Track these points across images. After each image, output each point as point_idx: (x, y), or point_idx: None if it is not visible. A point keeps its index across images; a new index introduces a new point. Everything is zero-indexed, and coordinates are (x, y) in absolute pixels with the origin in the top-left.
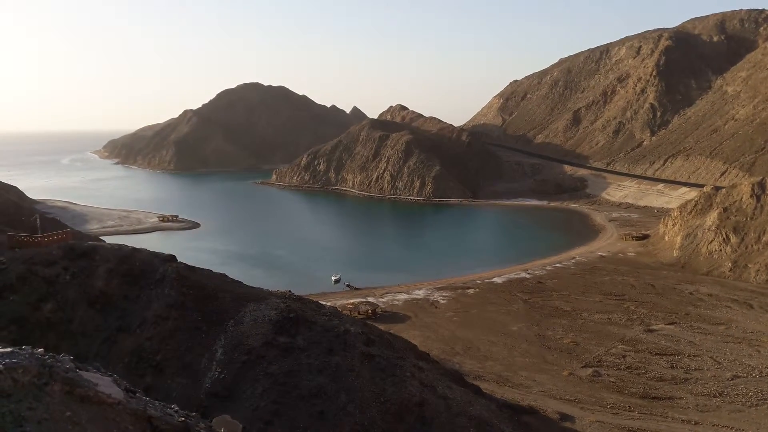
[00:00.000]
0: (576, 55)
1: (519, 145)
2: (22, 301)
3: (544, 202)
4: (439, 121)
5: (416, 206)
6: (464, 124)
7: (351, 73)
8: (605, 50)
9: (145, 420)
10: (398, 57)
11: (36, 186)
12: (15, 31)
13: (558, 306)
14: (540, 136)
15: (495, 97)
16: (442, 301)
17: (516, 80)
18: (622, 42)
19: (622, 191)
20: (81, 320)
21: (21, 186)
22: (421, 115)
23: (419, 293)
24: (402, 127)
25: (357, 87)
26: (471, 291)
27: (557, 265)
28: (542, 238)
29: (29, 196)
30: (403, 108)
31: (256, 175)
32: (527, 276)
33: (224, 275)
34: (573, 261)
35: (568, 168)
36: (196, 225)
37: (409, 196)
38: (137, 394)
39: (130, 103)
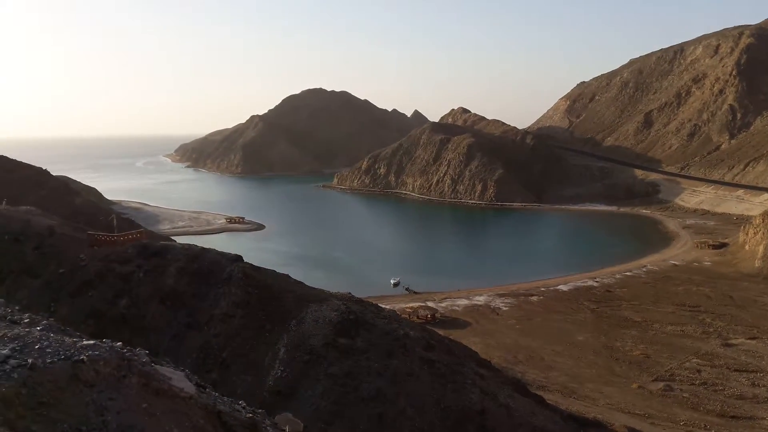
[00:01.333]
0: (647, 55)
1: (587, 149)
2: (99, 296)
3: (613, 208)
4: (503, 123)
5: (477, 210)
6: (529, 127)
7: (412, 77)
8: (679, 50)
9: (215, 415)
10: (461, 60)
11: (113, 188)
12: (98, 42)
13: (627, 316)
14: (609, 139)
15: (561, 99)
16: (504, 308)
17: (583, 82)
18: (698, 41)
19: (697, 197)
20: (153, 316)
21: (99, 188)
22: (483, 118)
23: (480, 299)
24: (464, 130)
25: (418, 91)
26: (534, 298)
27: (627, 273)
28: (611, 244)
29: (107, 197)
30: (465, 111)
31: (318, 179)
32: (595, 284)
33: (287, 276)
34: (644, 269)
35: (638, 172)
36: (261, 227)
37: (470, 200)
38: (207, 390)
39: (201, 108)
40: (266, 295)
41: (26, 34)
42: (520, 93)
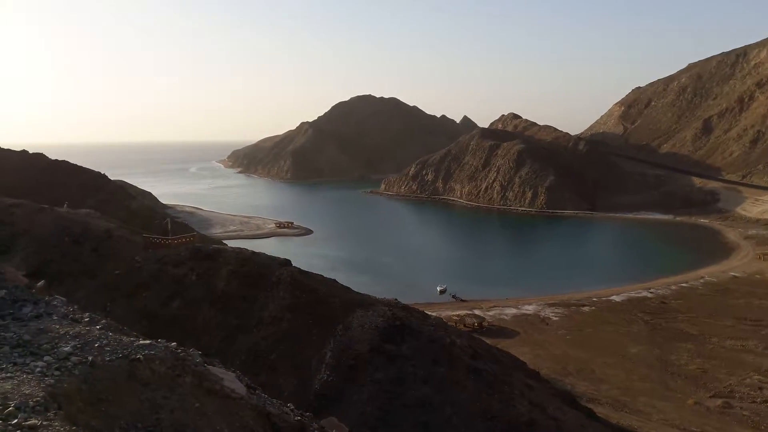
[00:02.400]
0: (707, 59)
1: (642, 155)
2: (153, 298)
3: (670, 216)
4: (554, 129)
5: (527, 218)
6: (581, 133)
7: (462, 83)
8: (742, 53)
9: (265, 416)
10: (512, 65)
11: (167, 192)
12: (161, 53)
13: (683, 329)
14: (665, 145)
15: (616, 104)
16: (554, 318)
17: (639, 87)
18: (762, 44)
19: (760, 206)
20: (204, 318)
21: (155, 192)
22: (534, 124)
23: (529, 308)
24: (514, 136)
25: (468, 97)
26: (586, 309)
27: (683, 284)
28: (666, 254)
29: (161, 202)
30: (516, 116)
31: (365, 185)
32: (649, 295)
33: (334, 281)
34: (701, 281)
35: (697, 180)
36: (309, 231)
37: (519, 207)
38: (257, 391)
39: (254, 115)
40: (313, 299)
41: (92, 44)
42: (572, 98)
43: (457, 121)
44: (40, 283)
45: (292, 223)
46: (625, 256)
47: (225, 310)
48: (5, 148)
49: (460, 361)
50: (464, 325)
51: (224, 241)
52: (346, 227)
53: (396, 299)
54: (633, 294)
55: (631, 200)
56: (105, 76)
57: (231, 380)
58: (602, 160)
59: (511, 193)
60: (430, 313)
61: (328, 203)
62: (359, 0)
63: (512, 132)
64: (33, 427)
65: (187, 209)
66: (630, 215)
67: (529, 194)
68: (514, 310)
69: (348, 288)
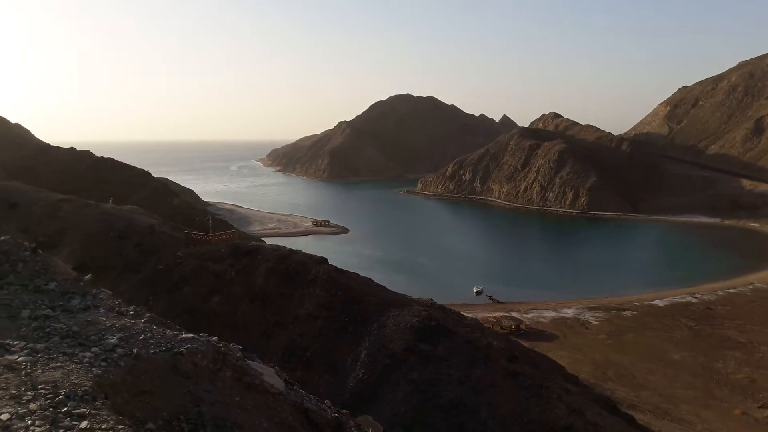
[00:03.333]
0: (760, 57)
1: (688, 157)
2: (194, 293)
3: (717, 220)
4: (597, 129)
5: (568, 219)
6: (625, 133)
7: (502, 82)
8: None
9: (303, 412)
10: (553, 64)
11: (208, 190)
12: (205, 54)
13: (730, 336)
14: (713, 146)
15: (661, 104)
16: (594, 322)
17: (686, 86)
18: None
19: None
20: (243, 313)
21: (196, 189)
22: (576, 123)
23: (568, 312)
24: (555, 136)
25: (507, 95)
26: (627, 313)
27: (730, 290)
28: (713, 259)
29: (203, 199)
30: (557, 116)
31: (402, 184)
32: (694, 300)
33: (370, 279)
34: (750, 287)
35: (746, 182)
36: (345, 230)
37: (560, 208)
38: (295, 387)
39: (293, 115)
40: (349, 297)
41: (137, 47)
42: (615, 98)
43: (496, 120)
44: (88, 276)
45: (328, 221)
46: (668, 259)
47: (263, 306)
48: (55, 145)
49: (496, 364)
50: (501, 328)
51: (262, 239)
52: (381, 226)
53: (431, 299)
54: (677, 299)
55: (675, 202)
56: (151, 76)
57: (270, 375)
58: (646, 161)
59: (551, 194)
60: (466, 314)
61: (365, 202)
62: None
63: (553, 131)
64: (82, 416)
65: (227, 206)
66: (674, 218)
67: (570, 195)
68: (552, 313)
69: (383, 287)
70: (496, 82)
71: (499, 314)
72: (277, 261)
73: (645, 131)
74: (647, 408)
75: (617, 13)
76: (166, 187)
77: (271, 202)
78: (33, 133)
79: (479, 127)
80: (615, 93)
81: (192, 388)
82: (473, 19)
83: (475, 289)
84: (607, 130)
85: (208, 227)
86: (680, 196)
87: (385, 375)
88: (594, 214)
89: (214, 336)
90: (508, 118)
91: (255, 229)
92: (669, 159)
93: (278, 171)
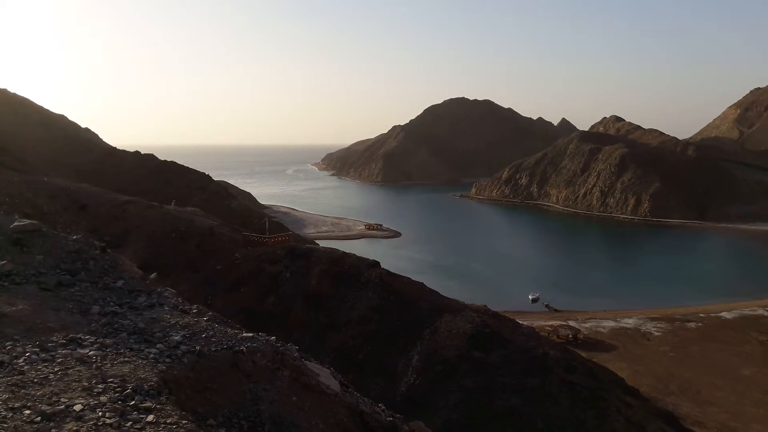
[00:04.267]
0: None
1: (761, 162)
2: (250, 293)
3: None
4: (660, 133)
5: (629, 226)
6: (690, 137)
7: (561, 85)
8: None
9: (358, 414)
10: (614, 66)
11: (265, 193)
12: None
13: None
14: None
15: (730, 107)
16: (656, 333)
17: (758, 88)
18: None
19: None
20: (297, 314)
21: (254, 192)
22: (639, 127)
23: (629, 322)
24: (616, 140)
25: (567, 99)
26: (692, 325)
27: None
28: None
29: (260, 202)
30: (618, 119)
31: (456, 188)
32: (766, 313)
33: (422, 284)
34: None
35: None
36: (397, 234)
37: (621, 214)
38: (350, 389)
39: (348, 119)
40: (401, 301)
41: (201, 55)
42: (680, 101)
43: (555, 124)
44: (153, 275)
45: (380, 225)
46: (737, 269)
47: (316, 307)
48: (121, 149)
49: (552, 374)
50: (558, 337)
51: (316, 241)
52: (434, 231)
53: (485, 306)
54: (746, 311)
55: (746, 210)
56: (214, 82)
57: (326, 377)
58: (714, 167)
59: (612, 200)
60: (521, 322)
61: (418, 206)
62: (451, 3)
63: (614, 136)
64: (148, 409)
65: (282, 209)
66: (744, 226)
67: (631, 201)
68: (611, 323)
69: (436, 292)
70: (554, 85)
71: (556, 323)
72: (330, 263)
73: (713, 135)
74: (713, 425)
75: (683, 12)
76: (225, 190)
77: (325, 205)
78: (101, 137)
79: (537, 130)
80: (680, 96)
81: (251, 387)
82: (531, 21)
83: (531, 297)
84: (672, 134)
85: (264, 229)
86: (751, 203)
87: (437, 381)
88: (657, 221)
89: (272, 336)
90: (567, 122)
91: (309, 231)
92: (739, 164)
93: (332, 175)
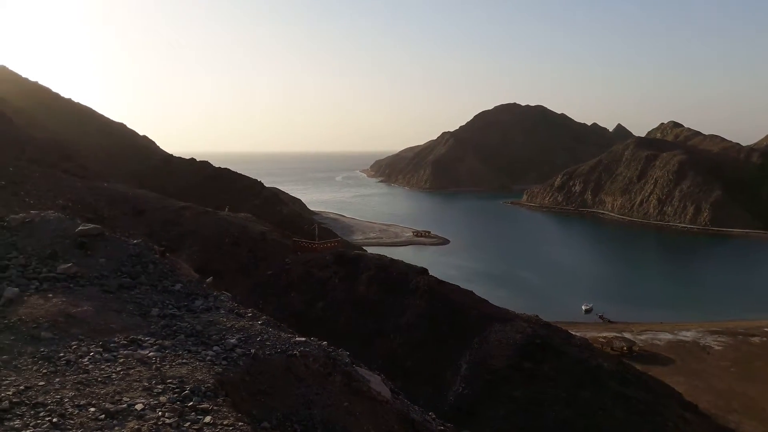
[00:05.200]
0: None
1: None
2: (300, 298)
3: None
4: (722, 139)
5: (688, 235)
6: (755, 143)
7: (616, 89)
8: None
9: (409, 423)
10: (672, 70)
11: (315, 199)
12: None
13: None
14: None
15: None
16: (717, 347)
17: None
18: None
19: None
20: (345, 320)
21: (303, 199)
22: (698, 133)
23: (687, 335)
24: (674, 146)
25: (622, 104)
26: (756, 339)
27: None
28: None
29: (309, 208)
30: (677, 125)
31: (506, 195)
32: None
33: (471, 292)
34: None
35: None
36: (446, 241)
37: (679, 223)
38: (400, 396)
39: (397, 126)
40: (450, 309)
41: (252, 65)
42: (744, 105)
43: (610, 130)
44: (209, 279)
45: (429, 232)
46: None
47: (364, 314)
48: (177, 156)
49: (606, 386)
50: (612, 349)
51: (364, 248)
52: (484, 238)
53: (537, 316)
54: None
55: None
56: (265, 91)
57: (377, 383)
58: None
59: (669, 208)
60: (573, 332)
61: (466, 213)
62: (502, 7)
63: (672, 142)
64: (205, 411)
65: (331, 216)
66: None
67: (690, 210)
68: (668, 336)
69: (485, 300)
70: (610, 90)
71: (610, 334)
72: (378, 270)
73: None
74: None
75: (744, 12)
76: (276, 196)
77: (373, 212)
78: (158, 144)
79: (591, 136)
80: (744, 100)
81: (304, 391)
82: (584, 27)
83: (584, 307)
84: (734, 140)
85: (314, 235)
86: None
87: (486, 391)
88: (718, 230)
89: (324, 341)
90: (623, 128)
91: (357, 238)
92: None
93: (381, 181)
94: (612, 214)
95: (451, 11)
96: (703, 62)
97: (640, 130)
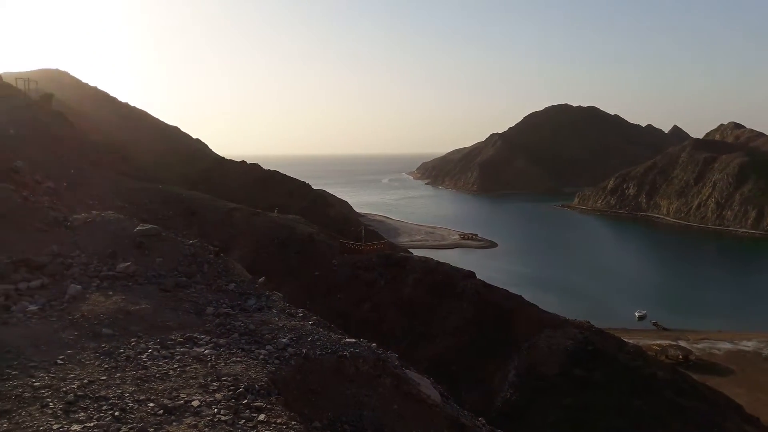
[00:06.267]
0: None
1: None
2: (346, 299)
3: None
4: None
5: (749, 241)
6: None
7: (672, 89)
8: None
9: (459, 427)
10: (732, 69)
11: (361, 201)
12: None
13: None
14: None
15: None
16: None
17: None
18: None
19: None
20: (390, 322)
21: (350, 201)
22: (761, 134)
23: (748, 345)
24: (734, 148)
25: (679, 104)
26: None
27: None
28: None
29: (356, 210)
30: (738, 126)
31: (556, 198)
32: None
33: (520, 297)
34: None
35: None
36: (493, 244)
37: (740, 228)
38: (450, 401)
39: (444, 128)
40: (498, 314)
41: (301, 69)
42: None
43: (665, 131)
44: (261, 279)
45: (476, 234)
46: None
47: (410, 316)
48: (228, 158)
49: (660, 396)
50: (666, 357)
51: (410, 250)
52: (533, 242)
53: (588, 322)
54: None
55: None
56: (307, 91)
57: (427, 386)
58: None
59: (729, 212)
60: (626, 340)
61: (515, 216)
62: (550, 8)
63: (732, 144)
64: (259, 409)
65: (377, 218)
66: None
67: (752, 214)
68: (728, 345)
69: (534, 305)
70: (665, 90)
71: (665, 342)
72: (424, 273)
73: None
74: None
75: None
76: (323, 198)
77: (420, 214)
78: (210, 147)
79: (645, 138)
80: None
81: (354, 392)
82: (638, 26)
83: (637, 314)
84: None
85: (360, 237)
86: None
87: (534, 397)
88: None
89: (373, 343)
90: (680, 129)
91: (403, 240)
92: None
93: (427, 184)
94: (667, 218)
95: (497, 13)
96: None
97: (697, 131)
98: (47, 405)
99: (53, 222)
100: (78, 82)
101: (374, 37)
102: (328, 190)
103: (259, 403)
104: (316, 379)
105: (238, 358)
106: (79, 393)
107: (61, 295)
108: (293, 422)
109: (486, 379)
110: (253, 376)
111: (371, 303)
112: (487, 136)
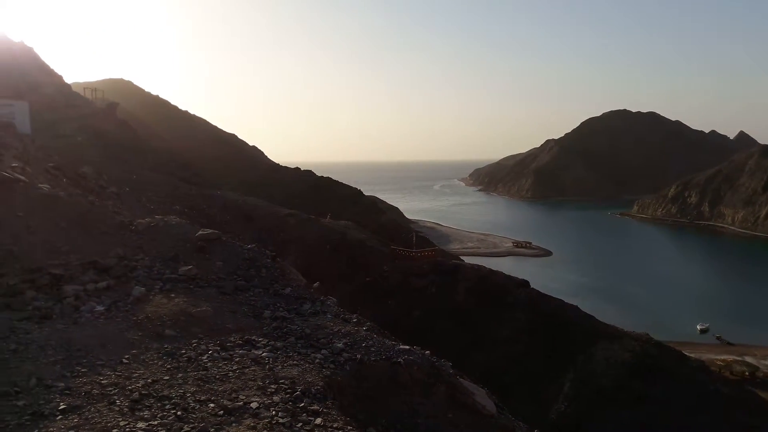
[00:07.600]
0: None
1: None
2: (397, 306)
3: None
4: None
5: None
6: None
7: (738, 93)
8: None
9: None
10: None
11: (412, 208)
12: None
13: None
14: None
15: None
16: None
17: None
18: None
19: None
20: (441, 330)
21: (401, 207)
22: None
23: None
24: None
25: (746, 109)
26: None
27: None
28: None
29: (406, 216)
30: None
31: (614, 206)
32: None
33: (576, 307)
34: None
35: None
36: (548, 253)
37: None
38: (505, 411)
39: (497, 134)
40: (552, 324)
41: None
42: None
43: (731, 137)
44: (316, 284)
45: (530, 242)
46: None
47: (461, 324)
48: (283, 165)
49: (726, 414)
50: (731, 373)
51: (461, 257)
52: (589, 251)
53: (647, 334)
54: None
55: None
56: (364, 101)
57: (482, 396)
58: None
59: None
60: (688, 354)
61: (571, 224)
62: (609, 14)
63: None
64: (316, 412)
65: (428, 224)
66: None
67: None
68: None
69: (591, 316)
70: (730, 96)
71: (729, 357)
72: (476, 281)
73: None
74: None
75: None
76: (375, 204)
77: (471, 221)
78: (265, 153)
79: (709, 144)
80: None
81: (408, 399)
82: (699, 32)
83: (699, 327)
84: None
85: (412, 244)
86: None
87: (590, 411)
88: None
89: (427, 350)
90: (747, 135)
91: (454, 247)
92: None
93: (480, 190)
94: (732, 227)
95: (555, 19)
96: None
97: (766, 137)
98: (114, 402)
99: (118, 226)
100: (141, 91)
101: (432, 47)
102: (379, 197)
103: (315, 407)
104: (371, 385)
105: (295, 362)
106: (143, 392)
107: (126, 296)
108: (349, 427)
109: (540, 391)
110: (310, 379)
111: (422, 310)
112: (542, 142)
